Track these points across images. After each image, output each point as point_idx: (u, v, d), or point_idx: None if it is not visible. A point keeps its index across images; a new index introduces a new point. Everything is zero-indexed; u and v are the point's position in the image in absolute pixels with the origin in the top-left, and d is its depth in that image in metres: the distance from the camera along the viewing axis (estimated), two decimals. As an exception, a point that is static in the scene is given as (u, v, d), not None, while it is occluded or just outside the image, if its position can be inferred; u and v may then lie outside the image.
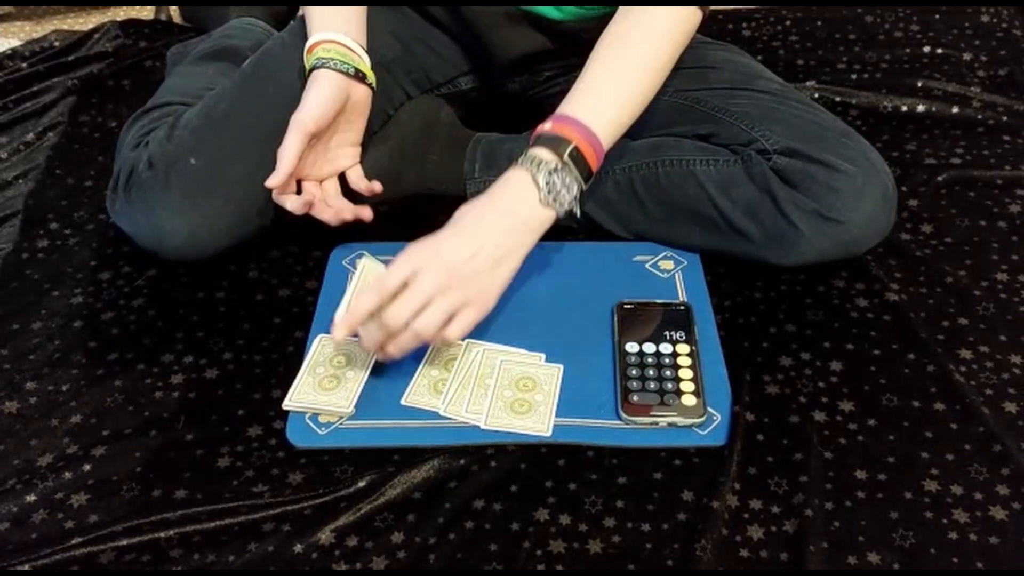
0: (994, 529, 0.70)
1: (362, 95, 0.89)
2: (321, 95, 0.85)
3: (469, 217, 0.79)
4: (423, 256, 0.76)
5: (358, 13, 0.91)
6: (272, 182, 0.83)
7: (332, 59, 0.86)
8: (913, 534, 0.70)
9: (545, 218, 0.79)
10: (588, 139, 0.79)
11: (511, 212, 0.78)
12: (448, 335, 0.76)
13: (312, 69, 0.86)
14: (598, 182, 0.96)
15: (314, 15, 0.90)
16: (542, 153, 0.79)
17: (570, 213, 0.80)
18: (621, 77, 0.83)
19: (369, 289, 0.75)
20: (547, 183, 0.77)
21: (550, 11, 0.95)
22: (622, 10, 0.85)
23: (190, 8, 1.44)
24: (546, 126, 0.80)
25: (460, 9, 0.98)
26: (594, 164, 0.80)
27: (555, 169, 0.78)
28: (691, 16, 0.85)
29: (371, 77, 0.90)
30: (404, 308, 0.74)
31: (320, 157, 0.90)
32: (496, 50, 1.00)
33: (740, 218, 0.89)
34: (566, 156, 0.78)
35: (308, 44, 0.88)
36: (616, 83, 0.83)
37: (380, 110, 1.01)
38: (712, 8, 1.42)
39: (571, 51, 0.99)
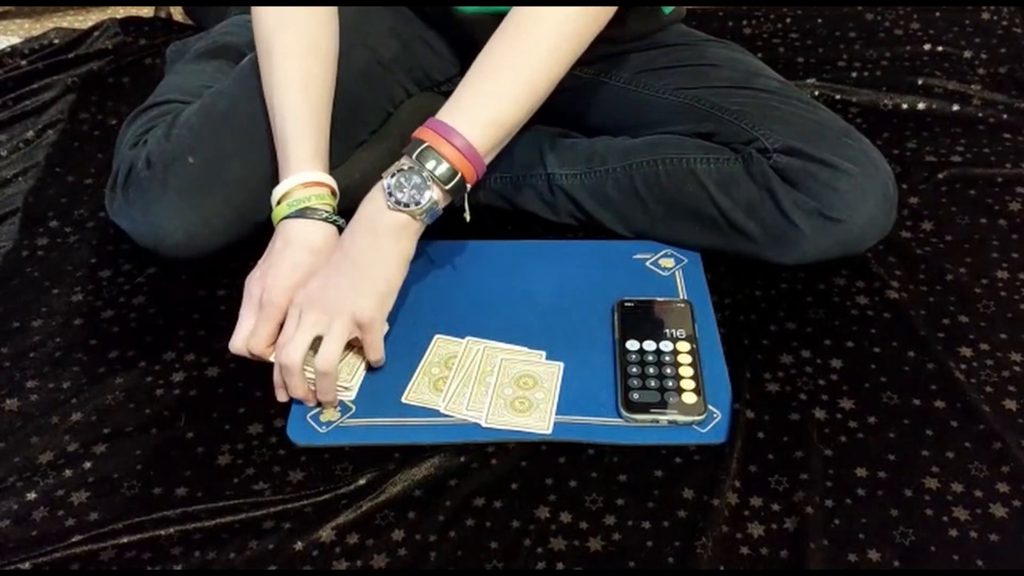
0: (994, 527, 0.70)
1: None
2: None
3: (338, 244, 0.79)
4: (299, 298, 0.77)
5: (325, 139, 0.87)
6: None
7: (327, 210, 0.82)
8: (913, 532, 0.70)
9: (401, 222, 0.77)
10: (443, 135, 0.76)
11: (368, 224, 0.77)
12: (372, 359, 0.79)
13: (313, 218, 0.81)
14: (599, 180, 0.96)
15: (290, 142, 0.84)
16: (397, 161, 0.77)
17: (452, 208, 0.79)
18: (491, 73, 0.79)
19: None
20: (389, 186, 0.76)
21: None
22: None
23: (191, 6, 1.44)
24: (412, 133, 0.78)
25: (451, 12, 0.97)
26: (458, 160, 0.76)
27: (399, 170, 0.76)
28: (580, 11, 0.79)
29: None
30: (295, 347, 0.75)
31: None
32: None
33: (740, 217, 0.89)
34: (415, 156, 0.76)
35: (298, 180, 0.82)
36: (485, 80, 0.79)
37: (380, 108, 1.01)
38: (712, 7, 1.43)
39: None
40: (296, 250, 0.80)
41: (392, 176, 0.76)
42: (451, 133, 0.76)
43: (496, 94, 0.78)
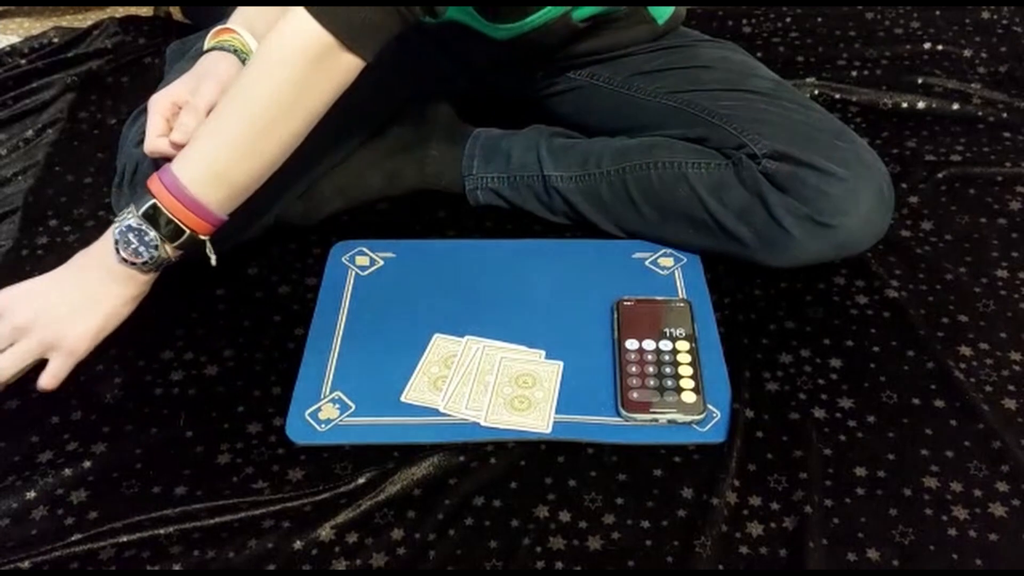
0: (993, 526, 0.70)
1: None
2: (231, 75, 0.84)
3: (67, 264, 0.78)
4: (13, 295, 0.76)
5: (266, 23, 0.90)
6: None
7: (235, 48, 0.86)
8: (912, 531, 0.70)
9: (129, 273, 0.76)
10: (175, 194, 0.73)
11: (91, 265, 0.76)
12: (41, 383, 0.76)
13: (212, 50, 0.87)
14: (593, 184, 0.96)
15: (241, 9, 0.89)
16: (129, 207, 0.75)
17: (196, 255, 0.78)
18: (216, 124, 0.76)
19: None
20: (116, 241, 0.75)
21: (490, 31, 0.94)
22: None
23: (190, 6, 1.44)
24: (148, 180, 0.76)
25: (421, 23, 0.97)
26: (186, 217, 0.74)
27: (128, 228, 0.74)
28: (301, 50, 0.73)
29: None
30: None
31: None
32: (472, 57, 1.00)
33: (732, 222, 0.88)
34: (141, 212, 0.74)
35: (217, 28, 0.88)
36: (211, 131, 0.76)
37: (380, 107, 1.01)
38: (712, 7, 1.43)
39: (541, 57, 0.99)
40: (188, 73, 0.86)
41: (119, 230, 0.75)
42: (179, 188, 0.74)
43: (220, 149, 0.75)
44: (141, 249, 0.75)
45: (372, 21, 0.73)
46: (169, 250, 0.76)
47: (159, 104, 0.83)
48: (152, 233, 0.74)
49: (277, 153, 0.77)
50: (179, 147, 0.79)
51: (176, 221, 0.74)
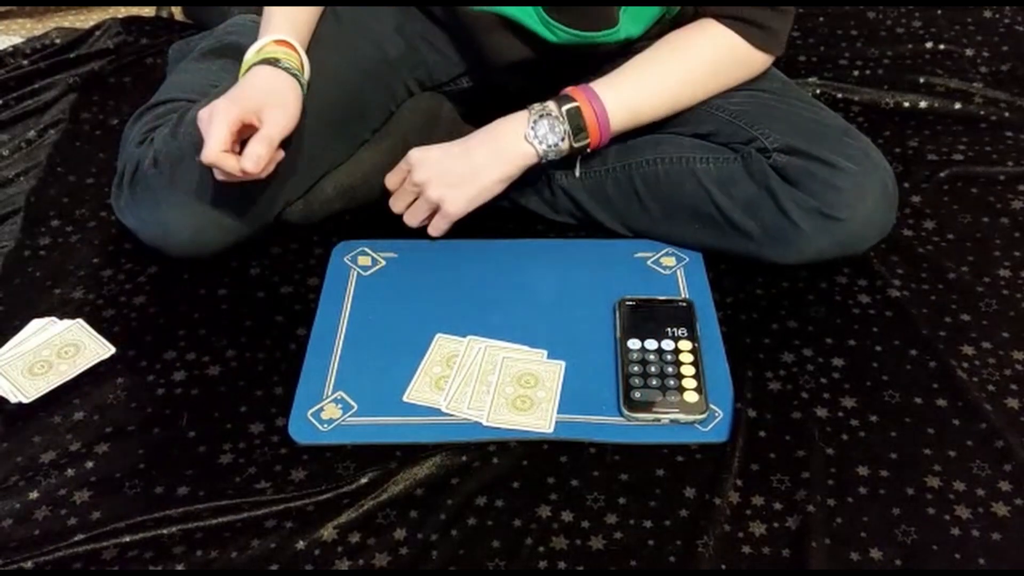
0: (996, 525, 0.70)
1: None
2: (296, 106, 0.85)
3: (466, 138, 0.91)
4: (418, 157, 0.91)
5: (309, 24, 0.94)
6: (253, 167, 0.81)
7: (292, 65, 0.87)
8: (915, 530, 0.70)
9: (525, 153, 0.88)
10: (592, 104, 0.87)
11: (494, 138, 0.90)
12: (430, 230, 0.94)
13: (265, 62, 0.86)
14: (598, 180, 0.96)
15: (275, 14, 0.91)
16: (548, 103, 0.88)
17: (562, 160, 0.91)
18: (653, 68, 0.90)
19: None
20: (534, 122, 0.87)
21: (544, 32, 0.93)
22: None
23: (192, 6, 1.44)
24: (566, 89, 0.89)
25: (455, 11, 0.97)
26: (593, 129, 0.88)
27: (547, 115, 0.87)
28: (737, 48, 0.90)
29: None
30: (399, 200, 0.95)
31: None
32: (490, 54, 0.99)
33: (739, 216, 0.88)
34: (563, 109, 0.87)
35: (271, 39, 0.88)
36: (645, 72, 0.90)
37: (383, 107, 1.01)
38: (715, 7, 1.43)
39: (567, 64, 0.99)
40: (251, 87, 0.84)
41: (538, 115, 0.88)
42: (600, 105, 0.87)
43: (640, 93, 0.90)
44: (548, 134, 0.87)
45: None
46: (566, 147, 0.88)
47: (230, 114, 0.81)
48: (567, 125, 0.87)
49: (676, 110, 0.93)
50: (247, 174, 0.81)
51: (585, 127, 0.88)
